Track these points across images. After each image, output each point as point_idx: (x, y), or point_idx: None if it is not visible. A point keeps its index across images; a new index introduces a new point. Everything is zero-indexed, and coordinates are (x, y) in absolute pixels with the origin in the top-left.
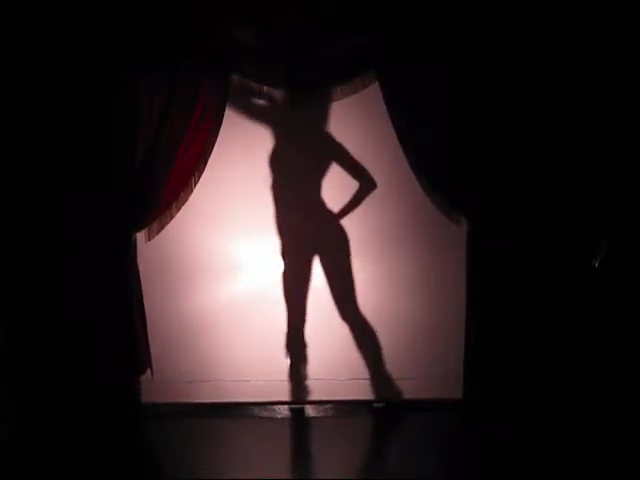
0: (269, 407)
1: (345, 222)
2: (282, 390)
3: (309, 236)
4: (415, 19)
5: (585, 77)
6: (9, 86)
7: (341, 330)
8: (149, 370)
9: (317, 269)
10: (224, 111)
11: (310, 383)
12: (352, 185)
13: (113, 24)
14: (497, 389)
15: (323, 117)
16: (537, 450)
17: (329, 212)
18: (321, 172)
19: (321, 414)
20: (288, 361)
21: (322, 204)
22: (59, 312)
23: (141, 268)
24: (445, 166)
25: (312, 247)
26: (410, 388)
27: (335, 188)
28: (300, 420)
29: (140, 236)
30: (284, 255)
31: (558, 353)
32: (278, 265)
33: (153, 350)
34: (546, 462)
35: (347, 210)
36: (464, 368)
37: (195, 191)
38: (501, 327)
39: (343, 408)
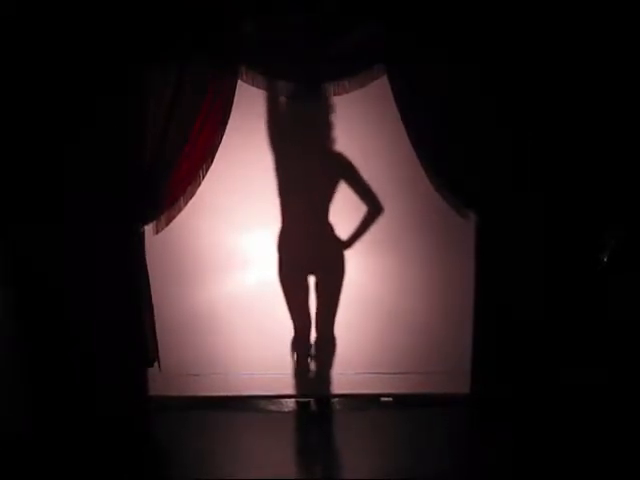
0: (276, 400)
1: (347, 222)
2: (289, 383)
3: (309, 233)
4: (426, 14)
5: (593, 73)
6: (18, 84)
7: (347, 324)
8: (157, 363)
9: (312, 265)
10: (232, 105)
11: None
12: None
13: (120, 19)
14: (504, 384)
15: (331, 112)
16: (543, 446)
17: (330, 224)
18: (327, 168)
19: (328, 408)
20: (295, 355)
21: (327, 201)
22: (67, 305)
23: (149, 261)
24: (455, 163)
25: (312, 243)
26: (417, 383)
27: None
28: (307, 414)
29: (148, 229)
30: (282, 249)
31: (566, 350)
32: (276, 259)
33: (161, 343)
34: (552, 458)
35: (355, 237)
36: (472, 363)
37: (203, 184)
38: (509, 323)
39: (350, 402)
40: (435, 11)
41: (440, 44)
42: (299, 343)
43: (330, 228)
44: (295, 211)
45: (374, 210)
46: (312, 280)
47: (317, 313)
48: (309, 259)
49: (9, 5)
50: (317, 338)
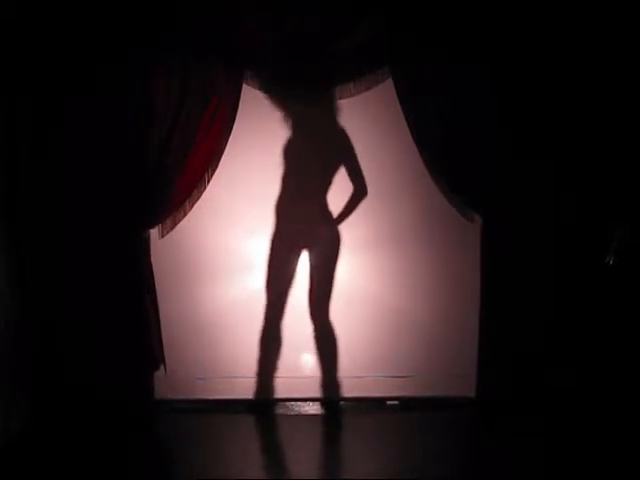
0: (282, 404)
1: (352, 222)
2: (294, 387)
3: (305, 234)
4: (429, 14)
5: (596, 74)
6: (25, 86)
7: (351, 327)
8: (162, 366)
9: (305, 267)
10: (237, 108)
11: (322, 380)
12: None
13: (122, 22)
14: (510, 388)
15: (336, 115)
16: (547, 449)
17: (329, 214)
18: (332, 170)
19: (334, 411)
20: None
21: (327, 203)
22: (73, 308)
23: (154, 264)
24: (459, 165)
25: (306, 246)
26: (423, 386)
27: (346, 187)
28: (312, 417)
29: (154, 232)
30: (276, 250)
31: (572, 351)
32: (268, 260)
33: (166, 346)
34: (557, 461)
35: (342, 218)
36: (477, 366)
37: (208, 188)
38: (515, 325)
39: (356, 405)
40: (438, 11)
41: (443, 44)
42: (270, 334)
43: (325, 210)
44: (292, 197)
45: (360, 192)
46: (303, 263)
47: (311, 298)
48: (301, 238)
49: (9, 7)
50: (314, 328)
